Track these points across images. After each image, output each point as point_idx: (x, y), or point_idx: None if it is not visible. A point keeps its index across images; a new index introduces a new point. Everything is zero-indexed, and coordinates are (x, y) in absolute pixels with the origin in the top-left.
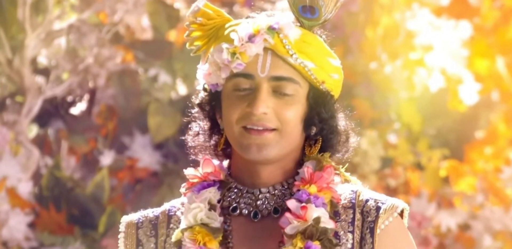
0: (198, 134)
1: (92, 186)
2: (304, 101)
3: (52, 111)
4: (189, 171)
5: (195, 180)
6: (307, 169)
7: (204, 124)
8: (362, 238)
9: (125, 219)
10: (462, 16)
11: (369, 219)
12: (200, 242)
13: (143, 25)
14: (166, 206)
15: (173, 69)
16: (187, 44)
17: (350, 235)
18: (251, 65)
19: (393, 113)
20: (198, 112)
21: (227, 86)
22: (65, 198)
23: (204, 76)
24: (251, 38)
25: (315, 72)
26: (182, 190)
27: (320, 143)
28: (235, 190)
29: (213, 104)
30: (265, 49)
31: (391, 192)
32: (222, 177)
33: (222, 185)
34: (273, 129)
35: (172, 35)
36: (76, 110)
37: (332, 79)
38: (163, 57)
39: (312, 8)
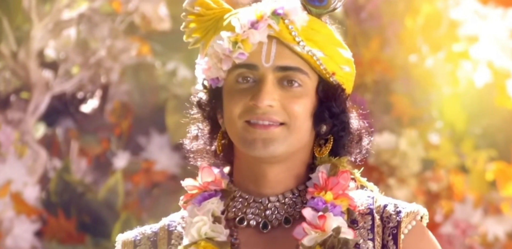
0: (197, 137)
1: (105, 190)
2: (313, 94)
3: (61, 109)
4: (187, 182)
5: (195, 191)
6: (321, 174)
7: (205, 126)
8: (383, 246)
9: (121, 237)
10: (510, 4)
11: (391, 224)
12: None
13: (160, 15)
14: (164, 221)
15: (193, 62)
16: (184, 36)
17: (370, 243)
18: (255, 55)
19: (435, 110)
20: (197, 112)
21: (229, 79)
22: (75, 204)
23: (203, 71)
24: (254, 25)
25: (325, 62)
26: (181, 203)
27: (331, 142)
28: (240, 200)
29: (213, 103)
30: (269, 37)
31: (433, 197)
32: (224, 185)
33: (224, 194)
34: (281, 124)
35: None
36: (87, 107)
37: (343, 71)
38: (182, 50)
39: None
